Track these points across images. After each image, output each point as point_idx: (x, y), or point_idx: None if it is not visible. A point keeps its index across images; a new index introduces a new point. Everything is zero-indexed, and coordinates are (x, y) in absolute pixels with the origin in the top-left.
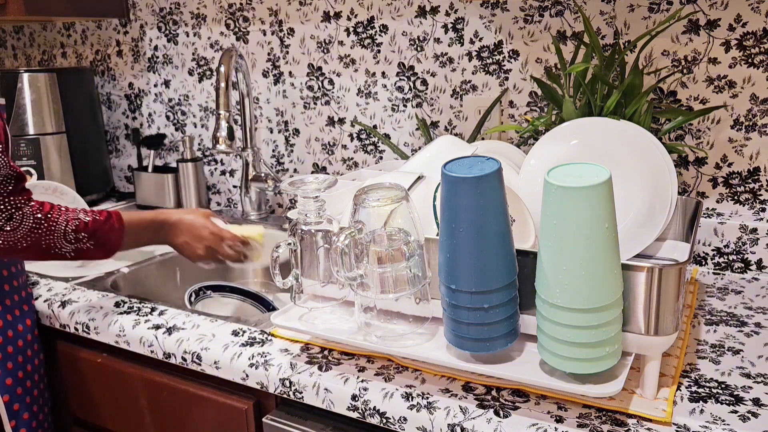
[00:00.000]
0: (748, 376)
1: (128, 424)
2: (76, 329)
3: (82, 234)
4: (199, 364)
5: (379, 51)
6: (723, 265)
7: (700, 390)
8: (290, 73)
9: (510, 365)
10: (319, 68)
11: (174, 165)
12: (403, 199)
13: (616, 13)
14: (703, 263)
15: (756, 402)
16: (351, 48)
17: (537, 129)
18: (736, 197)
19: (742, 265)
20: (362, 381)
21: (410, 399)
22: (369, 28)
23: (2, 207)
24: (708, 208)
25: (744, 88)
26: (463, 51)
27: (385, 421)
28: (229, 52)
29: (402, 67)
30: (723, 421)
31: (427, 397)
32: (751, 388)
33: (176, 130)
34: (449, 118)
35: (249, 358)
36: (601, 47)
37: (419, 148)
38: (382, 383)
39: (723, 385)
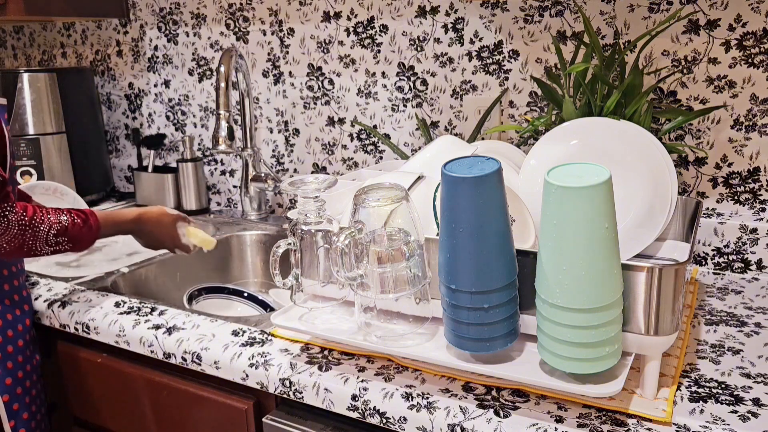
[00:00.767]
0: (748, 376)
1: (128, 424)
2: (76, 329)
3: (62, 237)
4: (199, 364)
5: (379, 51)
6: (723, 265)
7: (700, 390)
8: (290, 73)
9: (510, 365)
10: (319, 68)
11: (174, 165)
12: (403, 199)
13: (616, 13)
14: (703, 263)
15: (756, 402)
16: (351, 48)
17: (537, 129)
18: (736, 197)
19: (742, 265)
20: (362, 381)
21: (410, 399)
22: (369, 28)
23: None
24: (708, 208)
25: (744, 88)
26: (463, 51)
27: (385, 421)
28: (229, 52)
29: (402, 67)
30: (723, 421)
31: (427, 397)
32: (751, 388)
33: (176, 130)
34: (449, 118)
35: (249, 358)
36: (601, 47)
37: (419, 148)
38: (382, 383)
39: (723, 385)
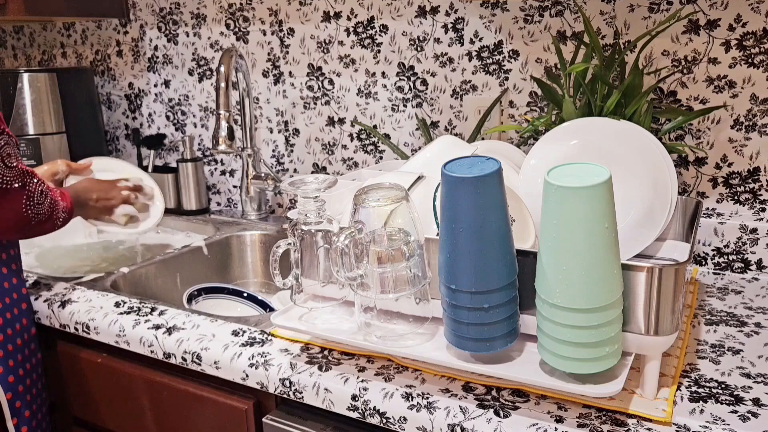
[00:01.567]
0: (748, 376)
1: (128, 424)
2: (76, 329)
3: (67, 214)
4: (199, 364)
5: (379, 51)
6: (723, 265)
7: (700, 390)
8: (290, 73)
9: (510, 365)
10: (319, 68)
11: (174, 165)
12: (403, 199)
13: (616, 13)
14: (703, 263)
15: (756, 402)
16: (351, 48)
17: (537, 129)
18: (736, 197)
19: (742, 265)
20: (362, 381)
21: (410, 399)
22: (369, 28)
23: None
24: (708, 208)
25: (744, 88)
26: (463, 51)
27: (385, 421)
28: (229, 52)
29: (402, 67)
30: (723, 421)
31: (427, 397)
32: (751, 388)
33: (176, 130)
34: (449, 118)
35: (249, 358)
36: (601, 47)
37: (419, 148)
38: (382, 383)
39: (723, 385)
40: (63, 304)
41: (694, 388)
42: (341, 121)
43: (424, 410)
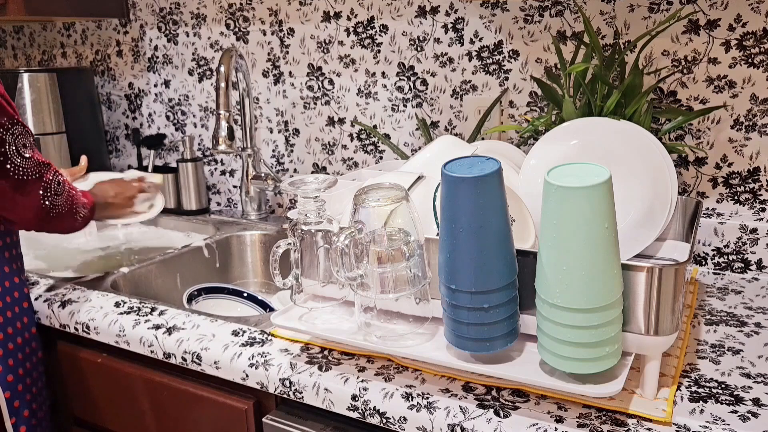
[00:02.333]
0: (748, 376)
1: (128, 424)
2: (76, 329)
3: (88, 211)
4: (199, 364)
5: (379, 51)
6: (723, 265)
7: (700, 390)
8: (290, 73)
9: (510, 365)
10: (319, 68)
11: (174, 165)
12: (403, 199)
13: (616, 13)
14: (703, 263)
15: (756, 402)
16: (351, 48)
17: (537, 129)
18: (736, 197)
19: (742, 265)
20: (362, 381)
21: (410, 399)
22: (369, 28)
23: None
24: (708, 208)
25: (744, 88)
26: (463, 51)
27: (385, 421)
28: (229, 52)
29: (402, 67)
30: (723, 421)
31: (427, 397)
32: (751, 388)
33: (176, 130)
34: (449, 118)
35: (249, 358)
36: (601, 47)
37: (419, 148)
38: (382, 383)
39: (723, 385)
40: (63, 304)
41: (694, 388)
42: (341, 121)
43: (424, 410)
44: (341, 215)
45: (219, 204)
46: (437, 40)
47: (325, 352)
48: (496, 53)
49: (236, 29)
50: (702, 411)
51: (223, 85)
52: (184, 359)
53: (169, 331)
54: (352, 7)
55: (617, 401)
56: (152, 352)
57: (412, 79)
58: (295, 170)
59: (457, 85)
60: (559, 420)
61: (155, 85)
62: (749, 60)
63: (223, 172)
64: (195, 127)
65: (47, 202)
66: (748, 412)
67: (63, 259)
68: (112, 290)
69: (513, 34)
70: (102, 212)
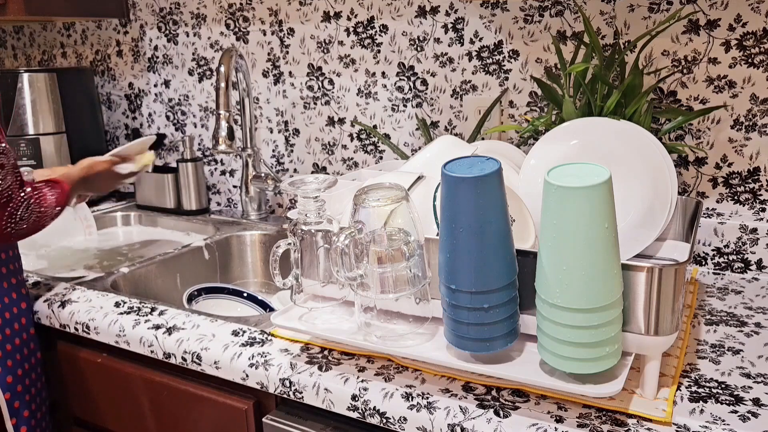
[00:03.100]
0: (748, 376)
1: (128, 424)
2: (76, 329)
3: (59, 209)
4: (199, 364)
5: (379, 51)
6: (723, 265)
7: (700, 390)
8: (290, 73)
9: (510, 365)
10: (319, 68)
11: (174, 165)
12: (403, 199)
13: (616, 13)
14: (703, 263)
15: (756, 402)
16: (351, 48)
17: (537, 129)
18: (736, 197)
19: (742, 265)
20: (362, 381)
21: (410, 399)
22: (369, 28)
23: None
24: (708, 208)
25: (744, 88)
26: (463, 51)
27: (385, 421)
28: (229, 52)
29: (402, 67)
30: (723, 421)
31: (427, 397)
32: (751, 388)
33: (176, 130)
34: (449, 118)
35: (249, 358)
36: (601, 47)
37: (419, 148)
38: (382, 383)
39: (723, 385)
40: (63, 304)
41: (694, 388)
42: (341, 121)
43: (424, 410)
44: (341, 215)
45: (219, 204)
46: (437, 40)
47: (325, 352)
48: (496, 53)
49: (236, 29)
50: (702, 411)
51: (223, 85)
52: (184, 359)
53: (169, 331)
54: (352, 7)
55: (617, 401)
56: (152, 352)
57: (412, 79)
58: (295, 170)
59: (457, 85)
60: (559, 420)
61: (155, 85)
62: (749, 60)
63: (223, 172)
64: (195, 127)
65: (10, 230)
66: (748, 412)
67: (63, 259)
68: (112, 290)
69: (513, 34)
70: (83, 185)
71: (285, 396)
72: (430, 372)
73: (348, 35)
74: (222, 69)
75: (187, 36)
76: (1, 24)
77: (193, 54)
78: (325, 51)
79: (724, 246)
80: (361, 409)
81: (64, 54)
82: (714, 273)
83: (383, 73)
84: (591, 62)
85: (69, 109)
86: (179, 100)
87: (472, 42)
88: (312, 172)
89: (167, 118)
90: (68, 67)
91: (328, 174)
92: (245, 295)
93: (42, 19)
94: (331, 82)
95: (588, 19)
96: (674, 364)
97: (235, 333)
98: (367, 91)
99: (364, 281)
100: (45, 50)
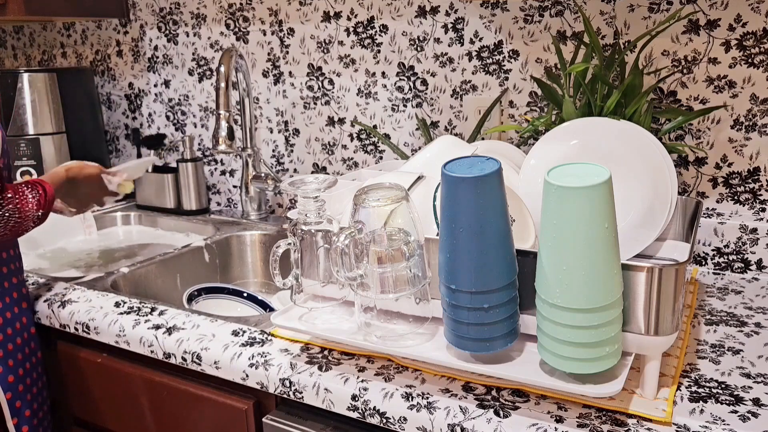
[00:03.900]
0: (748, 376)
1: (128, 424)
2: (76, 329)
3: (42, 212)
4: (199, 364)
5: (379, 51)
6: (723, 265)
7: (700, 390)
8: (290, 73)
9: (510, 365)
10: (319, 68)
11: (174, 165)
12: (403, 199)
13: (616, 13)
14: (703, 263)
15: (756, 402)
16: (351, 48)
17: (537, 129)
18: (736, 197)
19: (742, 265)
20: (362, 381)
21: (410, 399)
22: (369, 28)
23: None
24: (708, 208)
25: (744, 88)
26: (463, 51)
27: (385, 421)
28: (229, 52)
29: (402, 67)
30: (723, 421)
31: (427, 397)
32: (751, 388)
33: (176, 130)
34: (449, 118)
35: (249, 358)
36: (601, 47)
37: (419, 148)
38: (382, 383)
39: (723, 385)
40: (63, 304)
41: (694, 388)
42: (341, 121)
43: (424, 410)
44: (341, 215)
45: (219, 204)
46: (437, 40)
47: (325, 352)
48: (496, 53)
49: (236, 29)
50: (702, 411)
51: (223, 85)
52: (184, 359)
53: (169, 331)
54: (352, 7)
55: (617, 401)
56: (152, 352)
57: (412, 79)
58: (295, 170)
59: (457, 85)
60: (559, 420)
61: (155, 85)
62: (749, 60)
63: (223, 172)
64: (195, 127)
65: None
66: (748, 412)
67: (63, 259)
68: (112, 290)
69: (513, 34)
70: (68, 190)
71: (285, 396)
72: (430, 372)
73: (348, 35)
74: (222, 69)
75: (187, 36)
76: (1, 24)
77: (193, 54)
78: (325, 51)
79: (724, 246)
80: (361, 409)
81: (64, 54)
82: (714, 273)
83: (383, 73)
84: (591, 62)
85: (69, 109)
86: (179, 100)
87: (472, 42)
88: (312, 172)
89: (167, 118)
90: (68, 67)
91: (328, 174)
92: (245, 295)
93: (42, 19)
94: (331, 82)
95: (588, 19)
96: (674, 364)
97: (235, 333)
98: (367, 91)
99: (364, 281)
100: (45, 50)
